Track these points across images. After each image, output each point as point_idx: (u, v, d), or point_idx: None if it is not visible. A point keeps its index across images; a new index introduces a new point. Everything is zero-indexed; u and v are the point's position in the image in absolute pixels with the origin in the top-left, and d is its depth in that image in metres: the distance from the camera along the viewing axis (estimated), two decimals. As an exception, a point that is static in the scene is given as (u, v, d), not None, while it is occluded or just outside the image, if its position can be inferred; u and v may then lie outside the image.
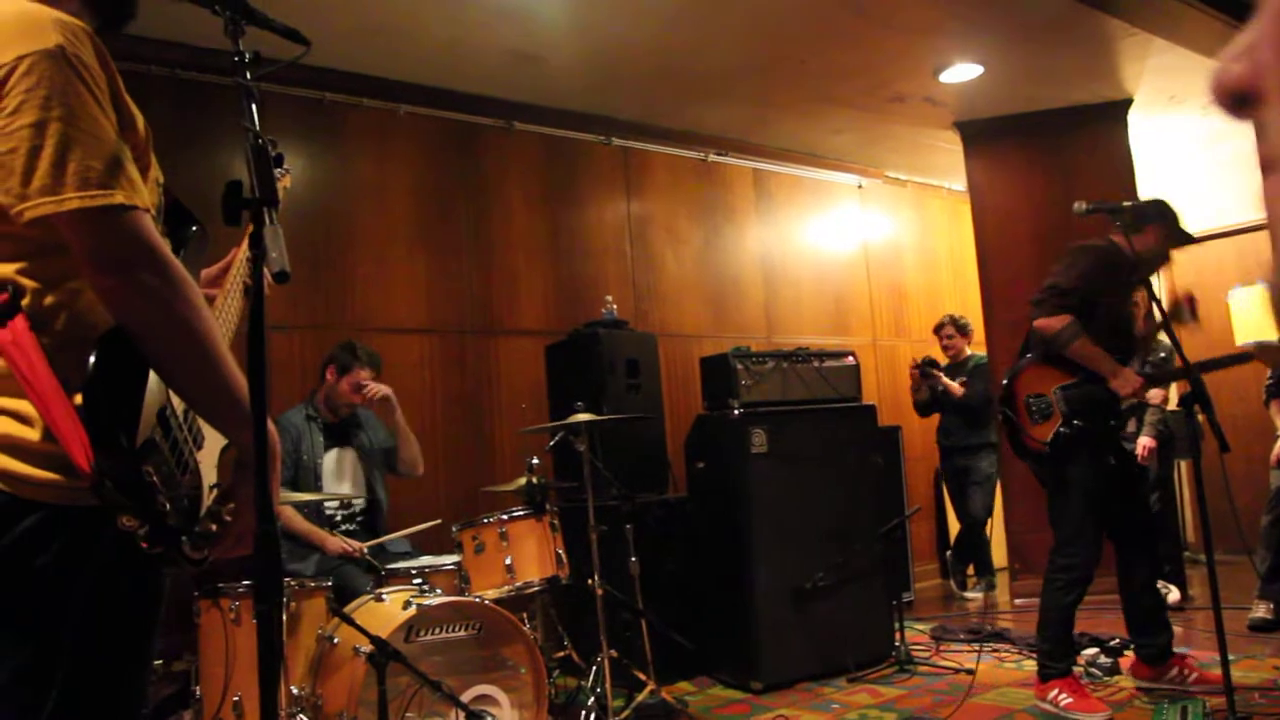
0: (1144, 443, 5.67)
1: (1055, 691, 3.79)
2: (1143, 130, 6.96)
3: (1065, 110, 6.53)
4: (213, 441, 1.54)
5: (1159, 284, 7.16)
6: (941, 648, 4.95)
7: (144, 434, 1.33)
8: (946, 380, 6.59)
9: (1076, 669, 3.95)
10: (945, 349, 6.84)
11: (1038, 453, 3.80)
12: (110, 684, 1.42)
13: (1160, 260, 3.93)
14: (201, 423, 1.52)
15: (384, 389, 4.28)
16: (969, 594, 6.64)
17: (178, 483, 1.39)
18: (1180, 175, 7.74)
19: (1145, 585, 4.01)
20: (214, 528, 1.48)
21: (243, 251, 1.87)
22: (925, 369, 6.55)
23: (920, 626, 5.46)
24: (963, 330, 6.83)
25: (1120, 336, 3.85)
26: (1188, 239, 3.95)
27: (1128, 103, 6.54)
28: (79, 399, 1.31)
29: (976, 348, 6.83)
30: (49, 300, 1.36)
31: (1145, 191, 6.86)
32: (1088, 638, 4.76)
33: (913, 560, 6.61)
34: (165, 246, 1.37)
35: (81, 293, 1.38)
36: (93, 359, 1.31)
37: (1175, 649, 4.04)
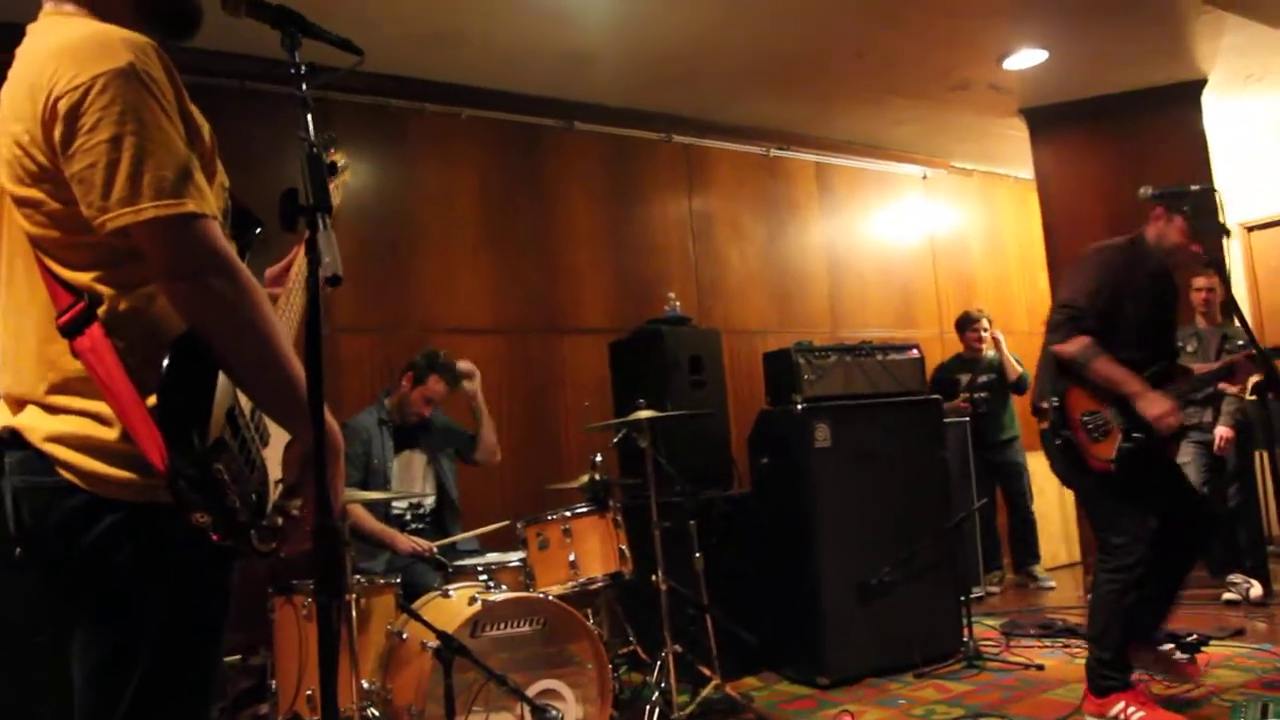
0: (1221, 433, 5.52)
1: (1122, 705, 3.47)
2: (1218, 112, 6.77)
3: (1134, 93, 6.38)
4: (277, 438, 1.61)
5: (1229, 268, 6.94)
6: (1011, 643, 4.88)
7: (214, 433, 1.39)
8: (1010, 361, 6.56)
9: (1138, 670, 3.71)
10: (977, 344, 6.69)
11: (1103, 473, 3.52)
12: (186, 674, 1.48)
13: (1189, 256, 3.62)
14: (267, 420, 1.59)
15: (470, 365, 4.38)
16: (992, 588, 6.55)
17: (246, 479, 1.46)
18: (1261, 156, 7.51)
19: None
20: (280, 521, 1.54)
21: (304, 252, 1.93)
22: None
23: (990, 622, 5.39)
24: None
25: (1152, 346, 3.60)
26: (1220, 231, 3.67)
27: (1201, 83, 6.37)
28: (153, 401, 1.38)
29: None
30: (124, 306, 1.43)
31: (1221, 175, 6.68)
32: (1164, 633, 4.65)
33: (982, 556, 6.51)
34: (232, 251, 1.44)
35: (154, 299, 1.45)
36: (166, 362, 1.37)
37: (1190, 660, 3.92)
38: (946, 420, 5.48)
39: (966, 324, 6.75)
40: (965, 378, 6.63)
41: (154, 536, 1.42)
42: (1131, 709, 3.45)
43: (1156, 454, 3.57)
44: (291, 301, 1.85)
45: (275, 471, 1.58)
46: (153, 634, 1.43)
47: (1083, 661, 4.29)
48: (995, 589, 6.56)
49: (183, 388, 1.38)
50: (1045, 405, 3.62)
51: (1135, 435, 3.49)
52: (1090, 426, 3.54)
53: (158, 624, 1.43)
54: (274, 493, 1.56)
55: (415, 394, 4.36)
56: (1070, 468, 3.62)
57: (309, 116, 1.56)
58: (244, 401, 1.51)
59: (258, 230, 1.71)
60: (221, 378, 1.44)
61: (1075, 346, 3.52)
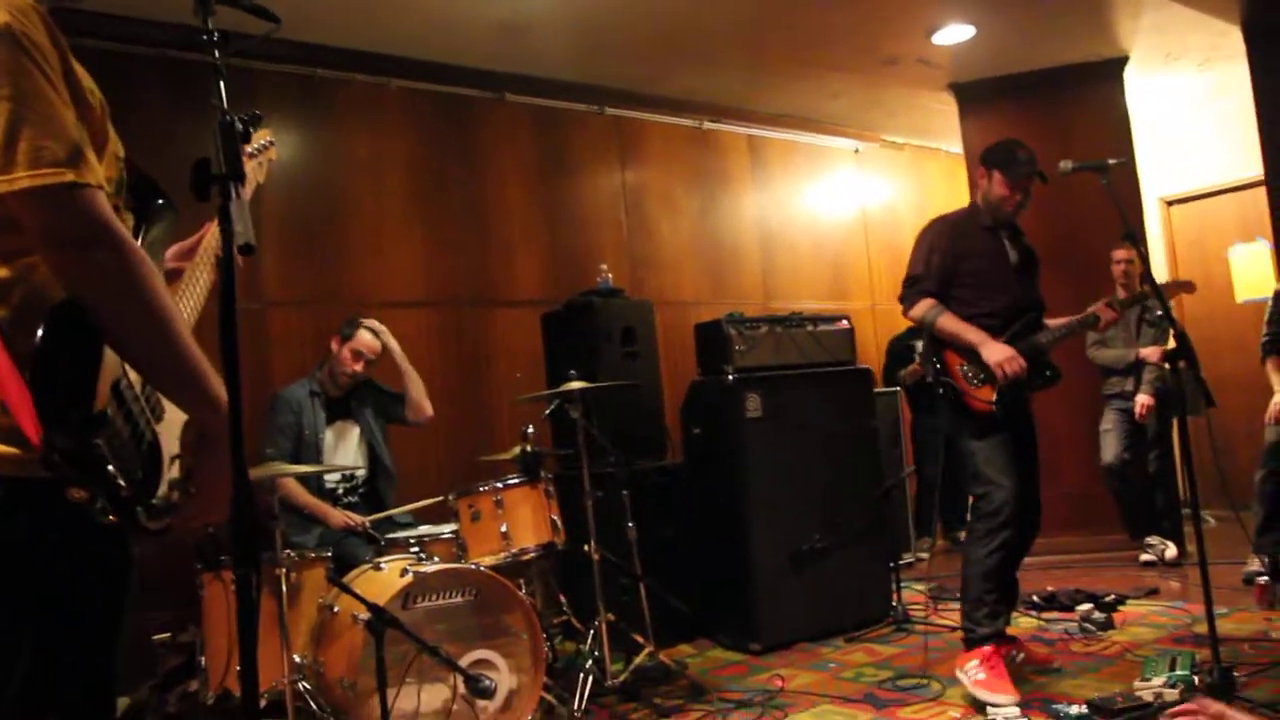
0: (1142, 400, 5.69)
1: (975, 662, 3.52)
2: (1140, 88, 6.94)
3: (1060, 69, 6.51)
4: (174, 413, 1.56)
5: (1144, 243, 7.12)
6: (939, 607, 5.00)
7: (98, 406, 1.34)
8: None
9: (1054, 631, 3.79)
10: None
11: (984, 414, 3.67)
12: (80, 653, 1.43)
13: (1014, 203, 3.79)
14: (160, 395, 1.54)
15: (375, 323, 4.38)
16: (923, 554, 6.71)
17: (132, 455, 1.41)
18: (1180, 132, 7.71)
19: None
20: (175, 497, 1.50)
21: (213, 226, 1.89)
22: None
23: (919, 587, 5.52)
24: None
25: (1005, 298, 3.77)
26: (1030, 174, 3.78)
27: (1123, 61, 6.52)
28: (28, 374, 1.32)
29: None
30: (3, 275, 1.37)
31: (1141, 150, 6.85)
32: (1083, 594, 4.81)
33: (912, 522, 6.64)
34: (119, 223, 1.39)
35: (36, 268, 1.39)
36: (41, 332, 1.32)
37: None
38: (879, 390, 5.57)
39: None
40: (920, 344, 6.70)
41: (38, 514, 1.36)
42: (974, 666, 3.52)
43: (1021, 414, 3.78)
44: (197, 276, 1.81)
45: (171, 447, 1.54)
46: (39, 614, 1.38)
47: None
48: (924, 555, 6.70)
49: (60, 359, 1.33)
50: (930, 370, 3.82)
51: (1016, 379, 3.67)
52: (970, 375, 3.72)
53: (44, 604, 1.39)
54: (169, 469, 1.51)
55: (345, 350, 4.33)
56: (954, 413, 3.78)
57: (222, 85, 1.54)
58: (135, 375, 1.47)
59: (160, 201, 1.66)
60: (109, 350, 1.39)
61: (920, 309, 3.78)
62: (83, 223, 1.34)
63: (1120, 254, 5.76)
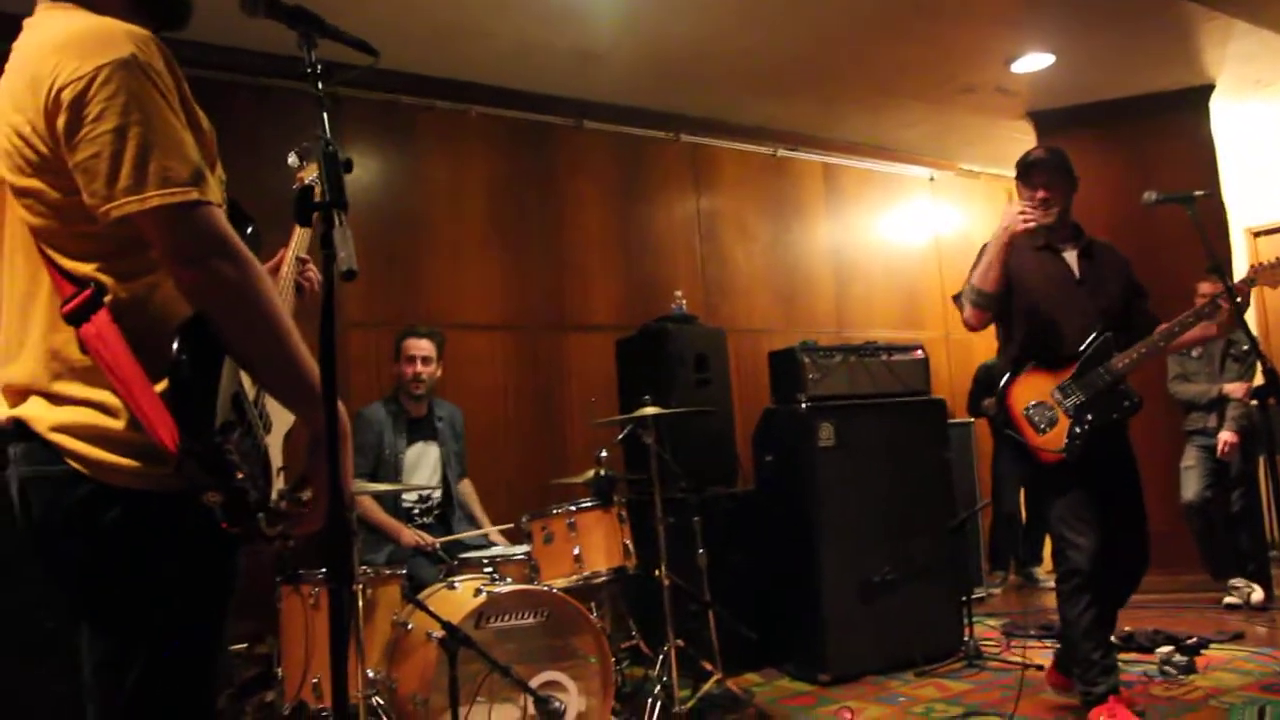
0: (1225, 437, 5.53)
1: None
2: (1227, 117, 6.79)
3: (1142, 98, 6.41)
4: (279, 426, 1.64)
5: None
6: (1012, 643, 4.91)
7: (221, 416, 1.42)
8: None
9: (1132, 674, 3.60)
10: None
11: (1055, 464, 3.46)
12: (190, 662, 1.50)
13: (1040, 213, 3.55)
14: (269, 408, 1.61)
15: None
16: (995, 589, 6.58)
17: (254, 461, 1.48)
18: (1268, 161, 7.51)
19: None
20: (284, 506, 1.56)
21: (291, 252, 1.97)
22: None
23: (992, 622, 5.42)
24: None
25: (1060, 312, 3.56)
26: (1032, 173, 3.61)
27: (1209, 89, 6.39)
28: (161, 385, 1.40)
29: None
30: (129, 294, 1.45)
31: (1229, 181, 6.70)
32: (1163, 635, 4.68)
33: (984, 556, 6.53)
34: (238, 238, 1.46)
35: (158, 286, 1.47)
36: (175, 345, 1.40)
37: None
38: (953, 421, 5.50)
39: None
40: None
41: (160, 525, 1.44)
42: None
43: (1108, 449, 3.51)
44: (282, 299, 1.88)
45: (277, 458, 1.61)
46: (157, 623, 1.46)
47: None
48: (996, 590, 6.58)
49: (191, 371, 1.40)
50: (984, 405, 3.61)
51: (1088, 418, 3.45)
52: (1034, 419, 3.50)
53: (162, 613, 1.46)
54: (277, 479, 1.58)
55: (401, 366, 4.43)
56: (1024, 463, 3.59)
57: (325, 115, 1.60)
58: (247, 387, 1.53)
59: (249, 229, 1.72)
60: (226, 362, 1.46)
61: (965, 310, 3.60)
62: (207, 238, 1.42)
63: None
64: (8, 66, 1.51)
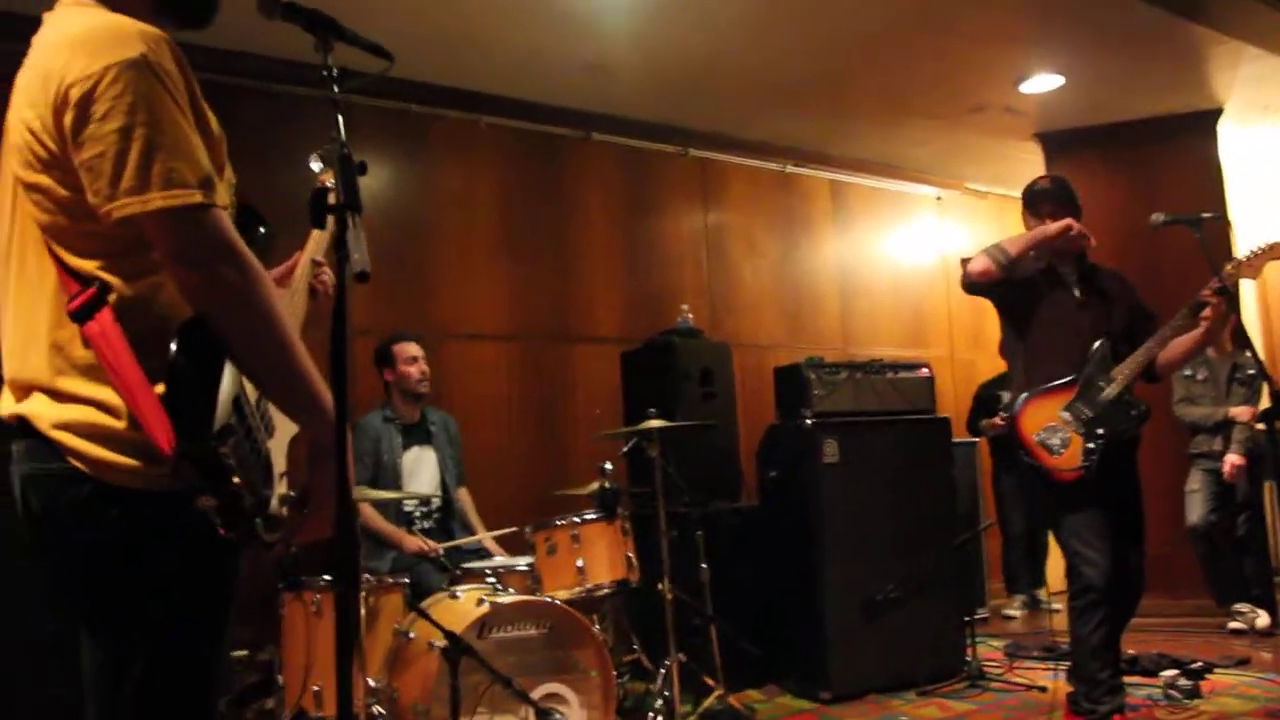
0: (1231, 460, 5.52)
1: None
2: (1236, 141, 6.79)
3: (1150, 120, 6.42)
4: (282, 431, 1.62)
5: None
6: (1015, 664, 4.88)
7: (221, 419, 1.40)
8: None
9: (1137, 697, 3.57)
10: None
11: (1075, 481, 3.46)
12: (189, 664, 1.49)
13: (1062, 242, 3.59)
14: (272, 413, 1.60)
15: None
16: (1011, 611, 6.55)
17: (252, 466, 1.46)
18: (1276, 185, 7.51)
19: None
20: (285, 512, 1.55)
21: (306, 255, 1.97)
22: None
23: (995, 643, 5.39)
24: None
25: (1064, 333, 3.60)
26: (1039, 202, 3.71)
27: (1217, 112, 6.40)
28: (160, 387, 1.39)
29: None
30: (132, 294, 1.45)
31: (1237, 204, 6.70)
32: (1168, 659, 4.66)
33: (988, 576, 6.51)
34: (242, 242, 1.45)
35: (163, 286, 1.46)
36: (174, 347, 1.39)
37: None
38: (957, 441, 5.48)
39: None
40: (1006, 395, 6.56)
41: (159, 524, 1.43)
42: None
43: (1117, 468, 3.50)
44: (295, 302, 1.88)
45: (280, 464, 1.60)
46: (156, 623, 1.45)
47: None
48: (1015, 612, 6.54)
49: (190, 373, 1.39)
50: (997, 421, 3.58)
51: (1099, 433, 3.44)
52: (1048, 443, 3.50)
53: (161, 614, 1.45)
54: (279, 484, 1.57)
55: (400, 367, 4.42)
56: (1042, 487, 3.58)
57: (340, 119, 1.60)
58: (249, 390, 1.52)
59: (262, 230, 1.72)
60: (227, 366, 1.45)
61: (976, 259, 3.59)
62: (210, 241, 1.41)
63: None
64: (26, 61, 1.51)
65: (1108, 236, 6.24)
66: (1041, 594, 6.68)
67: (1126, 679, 4.49)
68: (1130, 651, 4.80)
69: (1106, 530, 3.44)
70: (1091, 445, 3.46)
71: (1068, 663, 4.21)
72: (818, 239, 6.89)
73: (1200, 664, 4.58)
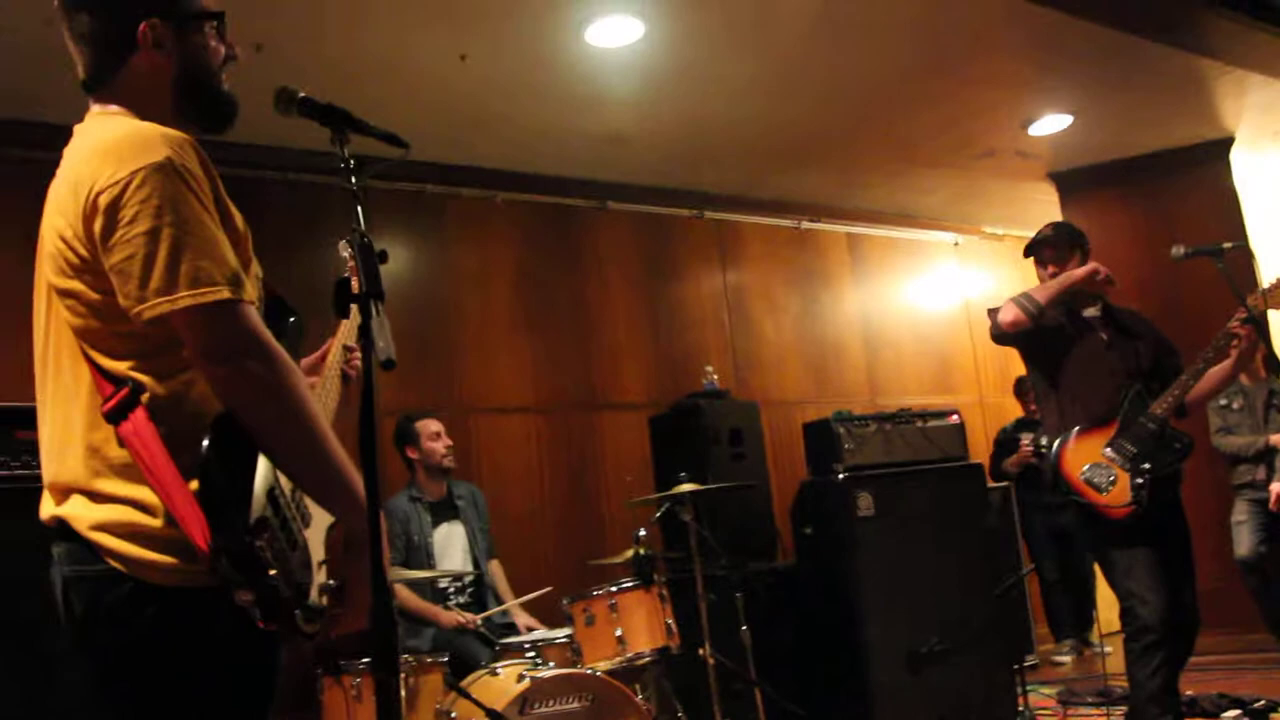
0: (1276, 489, 5.41)
1: None
2: (1249, 168, 6.78)
3: (1163, 153, 6.43)
4: (319, 520, 1.62)
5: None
6: (1069, 711, 4.77)
7: (256, 513, 1.41)
8: None
9: None
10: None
11: (1127, 517, 3.39)
12: None
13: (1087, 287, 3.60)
14: (308, 501, 1.60)
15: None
16: (1060, 657, 6.41)
17: (288, 558, 1.47)
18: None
19: None
20: (325, 601, 1.56)
21: (338, 341, 1.99)
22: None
23: (1046, 690, 5.27)
24: None
25: (1096, 377, 3.58)
26: (1039, 251, 3.73)
27: (1229, 141, 6.40)
28: (195, 484, 1.41)
29: None
30: (165, 393, 1.47)
31: (1255, 230, 6.66)
32: (1228, 699, 4.54)
33: (1034, 621, 6.39)
34: (270, 336, 1.48)
35: (193, 384, 1.49)
36: (206, 443, 1.41)
37: None
38: (991, 486, 5.43)
39: (1025, 388, 6.65)
40: (1027, 438, 6.48)
41: (199, 622, 1.44)
42: None
43: (1162, 503, 3.45)
44: (328, 389, 1.90)
45: (318, 553, 1.60)
46: (198, 716, 1.46)
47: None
48: (1065, 658, 6.41)
49: (223, 468, 1.41)
50: (1025, 447, 3.52)
51: (1145, 467, 3.39)
52: (1094, 481, 3.45)
53: (205, 709, 1.45)
54: (318, 573, 1.58)
55: (425, 444, 4.43)
56: (1091, 526, 3.52)
57: (359, 208, 1.63)
58: (284, 481, 1.54)
59: (291, 319, 1.75)
60: (261, 459, 1.47)
61: (1006, 309, 3.57)
62: (238, 337, 1.44)
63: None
64: (58, 172, 1.56)
65: (1128, 272, 6.23)
66: (1091, 636, 6.54)
67: (1186, 722, 4.39)
68: (1189, 693, 4.67)
69: (1158, 569, 3.37)
70: (1140, 480, 3.41)
71: (1123, 707, 4.14)
72: (838, 292, 6.91)
73: (1264, 702, 4.46)
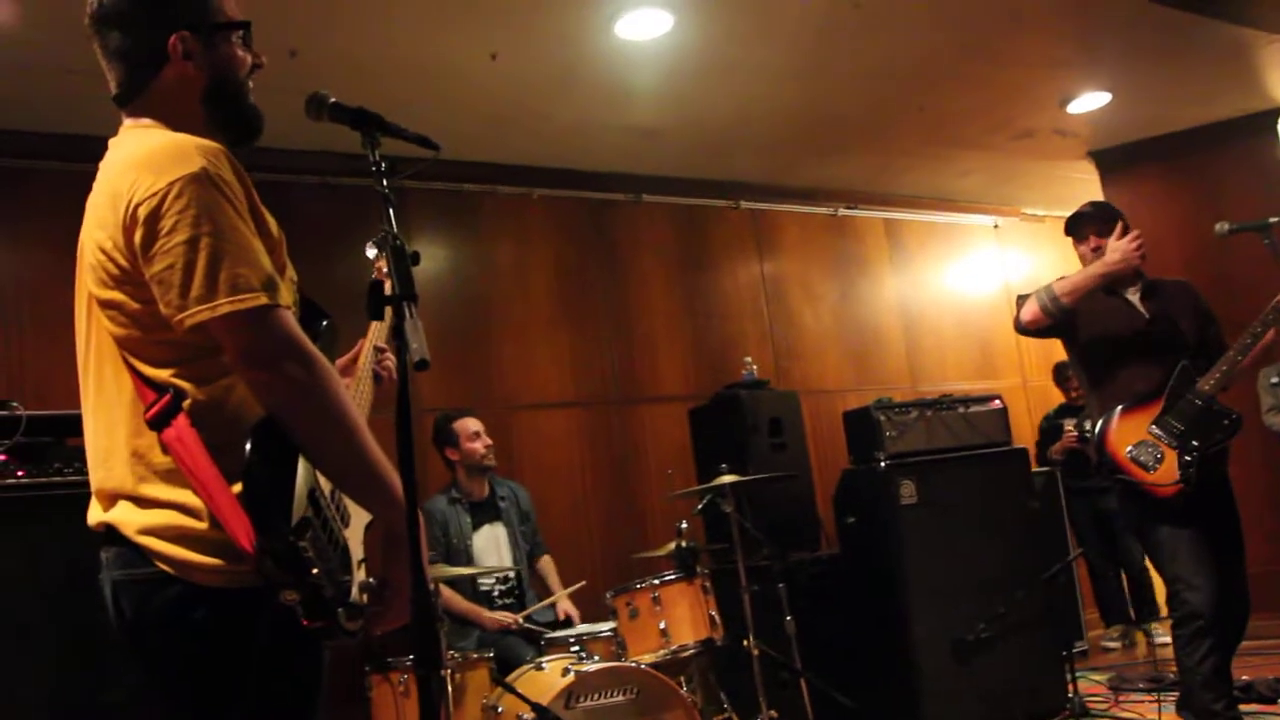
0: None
1: None
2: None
3: (1206, 127, 6.30)
4: (357, 519, 1.65)
5: None
6: (1120, 698, 4.72)
7: (298, 513, 1.44)
8: None
9: None
10: (1076, 391, 6.46)
11: (1176, 495, 3.31)
12: None
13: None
14: (346, 501, 1.63)
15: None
16: (1110, 643, 6.33)
17: (330, 557, 1.50)
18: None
19: None
20: (365, 599, 1.58)
21: (369, 342, 2.02)
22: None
23: (1096, 677, 5.21)
24: None
25: (1134, 355, 3.52)
26: (1082, 227, 3.67)
27: (1275, 112, 6.26)
28: (238, 487, 1.44)
29: None
30: (205, 398, 1.51)
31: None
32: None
33: (1083, 607, 6.31)
34: (307, 339, 1.51)
35: (233, 389, 1.52)
36: (249, 447, 1.44)
37: None
38: (1036, 471, 5.37)
39: (1064, 375, 6.57)
40: (1070, 424, 6.38)
41: (246, 622, 1.47)
42: None
43: (1210, 484, 3.39)
44: (361, 390, 1.92)
45: (357, 551, 1.63)
46: (250, 718, 1.49)
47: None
48: (1114, 644, 6.33)
49: (265, 471, 1.44)
50: (1070, 433, 3.48)
51: (1194, 443, 3.32)
52: (1141, 459, 3.39)
53: (253, 709, 1.48)
54: (358, 572, 1.60)
55: (464, 445, 4.41)
56: (1136, 505, 3.47)
57: (391, 211, 1.65)
58: (324, 482, 1.56)
59: (324, 323, 1.78)
60: (301, 460, 1.49)
61: (1028, 305, 3.57)
62: (276, 341, 1.47)
63: None
64: (95, 184, 1.60)
65: (1174, 250, 6.15)
66: (1153, 627, 6.43)
67: (1243, 708, 4.32)
68: (1243, 678, 4.60)
69: (1205, 552, 3.31)
70: (1189, 458, 3.34)
71: (1176, 694, 4.07)
72: (876, 278, 6.86)
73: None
